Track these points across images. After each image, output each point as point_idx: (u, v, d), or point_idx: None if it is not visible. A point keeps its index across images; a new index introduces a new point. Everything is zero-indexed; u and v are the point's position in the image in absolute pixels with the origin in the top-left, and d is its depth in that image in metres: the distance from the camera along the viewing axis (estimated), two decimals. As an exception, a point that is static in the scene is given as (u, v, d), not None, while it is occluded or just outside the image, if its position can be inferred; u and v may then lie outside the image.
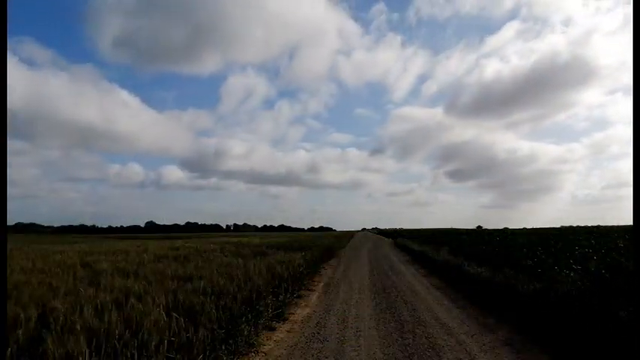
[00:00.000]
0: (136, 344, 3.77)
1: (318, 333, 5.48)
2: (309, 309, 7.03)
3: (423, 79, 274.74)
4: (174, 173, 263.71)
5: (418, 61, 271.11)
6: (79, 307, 4.83)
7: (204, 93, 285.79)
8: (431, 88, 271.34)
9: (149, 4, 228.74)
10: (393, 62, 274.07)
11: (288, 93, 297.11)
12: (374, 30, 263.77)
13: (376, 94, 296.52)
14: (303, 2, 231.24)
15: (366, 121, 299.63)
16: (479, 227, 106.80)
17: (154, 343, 3.85)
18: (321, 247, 19.24)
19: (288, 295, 7.66)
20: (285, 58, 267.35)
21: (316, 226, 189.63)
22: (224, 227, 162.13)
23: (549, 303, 5.53)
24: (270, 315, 6.07)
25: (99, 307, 4.99)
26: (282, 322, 6.06)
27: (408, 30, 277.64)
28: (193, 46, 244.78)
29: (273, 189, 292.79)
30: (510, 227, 79.82)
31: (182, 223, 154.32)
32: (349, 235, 63.71)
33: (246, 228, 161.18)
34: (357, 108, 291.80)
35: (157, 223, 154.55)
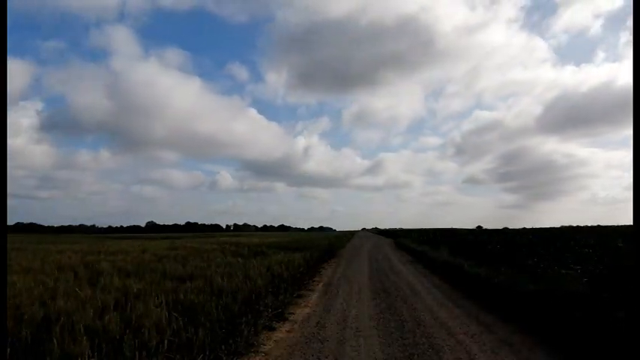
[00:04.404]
0: (136, 344, 3.78)
1: (318, 333, 5.48)
2: (309, 309, 7.04)
3: (548, 88, 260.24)
4: (226, 177, 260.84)
5: (556, 74, 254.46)
6: (79, 308, 4.84)
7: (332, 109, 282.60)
8: (544, 96, 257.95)
9: (323, 37, 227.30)
10: (539, 78, 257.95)
11: (433, 101, 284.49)
12: (550, 49, 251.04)
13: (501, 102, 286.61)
14: (501, 30, 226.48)
15: (470, 125, 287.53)
16: (478, 227, 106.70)
17: (154, 343, 3.86)
18: (321, 247, 19.24)
19: (288, 295, 7.66)
20: (458, 77, 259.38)
21: (316, 226, 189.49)
22: (224, 227, 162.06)
23: (549, 303, 5.54)
24: (270, 315, 6.07)
25: (99, 307, 5.00)
26: (282, 322, 6.06)
27: (578, 50, 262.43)
28: (354, 78, 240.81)
29: (318, 191, 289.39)
30: (517, 227, 79.07)
31: (182, 223, 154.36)
32: (349, 234, 63.71)
33: (245, 228, 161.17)
34: (476, 110, 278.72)
35: (157, 223, 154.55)
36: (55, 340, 3.64)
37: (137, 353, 3.60)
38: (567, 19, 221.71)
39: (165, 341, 3.95)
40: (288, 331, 5.60)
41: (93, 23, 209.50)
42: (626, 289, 5.00)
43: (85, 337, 3.73)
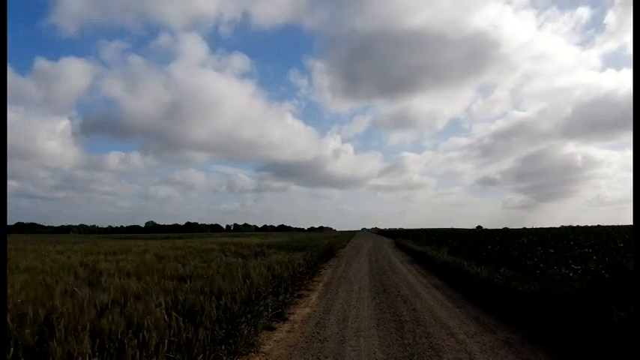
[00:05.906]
0: (136, 344, 3.77)
1: (318, 333, 5.49)
2: (309, 309, 7.04)
3: (585, 93, 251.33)
4: (243, 178, 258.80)
5: (594, 79, 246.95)
6: (79, 308, 4.83)
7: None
8: (579, 99, 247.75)
9: (366, 51, 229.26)
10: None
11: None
12: (597, 58, 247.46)
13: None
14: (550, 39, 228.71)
15: (500, 126, 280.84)
16: (478, 227, 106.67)
17: (154, 343, 3.85)
18: (321, 247, 19.24)
19: (288, 295, 7.67)
20: (506, 83, 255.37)
21: (316, 225, 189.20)
22: (224, 227, 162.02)
23: (549, 303, 5.54)
24: (270, 315, 6.08)
25: (99, 307, 4.99)
26: (282, 322, 6.07)
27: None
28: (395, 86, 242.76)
29: (332, 191, 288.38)
30: (518, 227, 78.80)
31: (182, 223, 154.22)
32: (349, 234, 63.72)
33: (246, 228, 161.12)
34: (510, 113, 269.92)
35: (157, 223, 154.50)
36: (56, 340, 3.63)
37: (138, 353, 3.60)
38: (617, 33, 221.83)
39: (166, 341, 3.95)
40: (288, 331, 5.60)
41: (168, 29, 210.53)
42: (627, 289, 5.00)
43: (86, 337, 3.73)
